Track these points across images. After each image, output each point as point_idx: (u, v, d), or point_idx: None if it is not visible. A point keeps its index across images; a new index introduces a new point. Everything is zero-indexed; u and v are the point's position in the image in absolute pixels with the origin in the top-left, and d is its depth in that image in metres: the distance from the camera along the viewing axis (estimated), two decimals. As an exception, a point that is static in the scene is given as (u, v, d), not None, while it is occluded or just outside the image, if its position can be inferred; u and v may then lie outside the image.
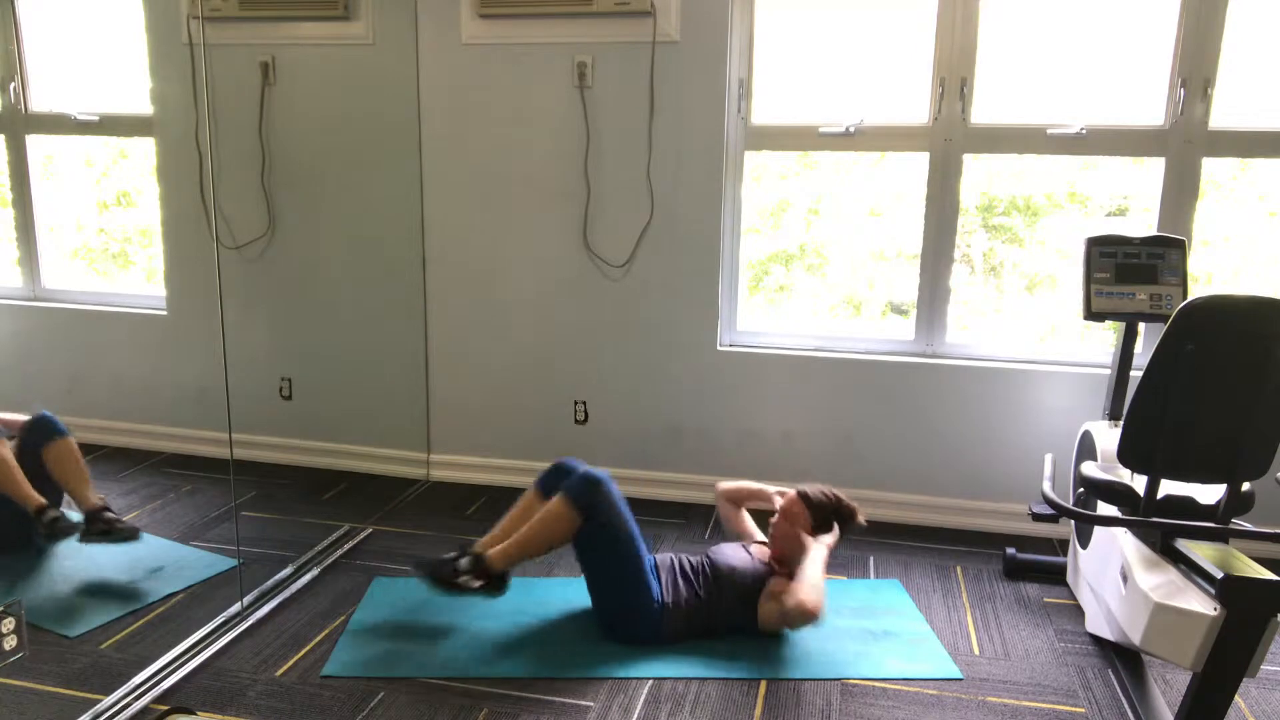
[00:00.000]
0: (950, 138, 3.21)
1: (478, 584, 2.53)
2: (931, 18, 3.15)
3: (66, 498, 2.82)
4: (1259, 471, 2.12)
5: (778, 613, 2.50)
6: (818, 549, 2.54)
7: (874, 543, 3.21)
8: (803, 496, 2.63)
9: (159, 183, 3.64)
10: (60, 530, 2.69)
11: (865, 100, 3.28)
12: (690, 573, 2.61)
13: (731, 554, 2.65)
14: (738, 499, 2.92)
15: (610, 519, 2.50)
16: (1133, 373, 2.76)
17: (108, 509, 2.75)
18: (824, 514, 2.61)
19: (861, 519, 2.66)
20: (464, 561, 2.55)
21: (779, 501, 2.69)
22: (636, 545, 2.53)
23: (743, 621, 2.56)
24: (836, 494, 2.65)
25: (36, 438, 2.73)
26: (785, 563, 2.61)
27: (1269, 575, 1.90)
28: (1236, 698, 2.26)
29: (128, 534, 2.78)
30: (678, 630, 2.53)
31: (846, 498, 2.66)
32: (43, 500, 2.65)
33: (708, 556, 2.66)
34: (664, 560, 2.64)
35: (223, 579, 2.83)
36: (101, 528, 2.72)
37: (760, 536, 2.84)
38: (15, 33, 3.31)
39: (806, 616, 2.41)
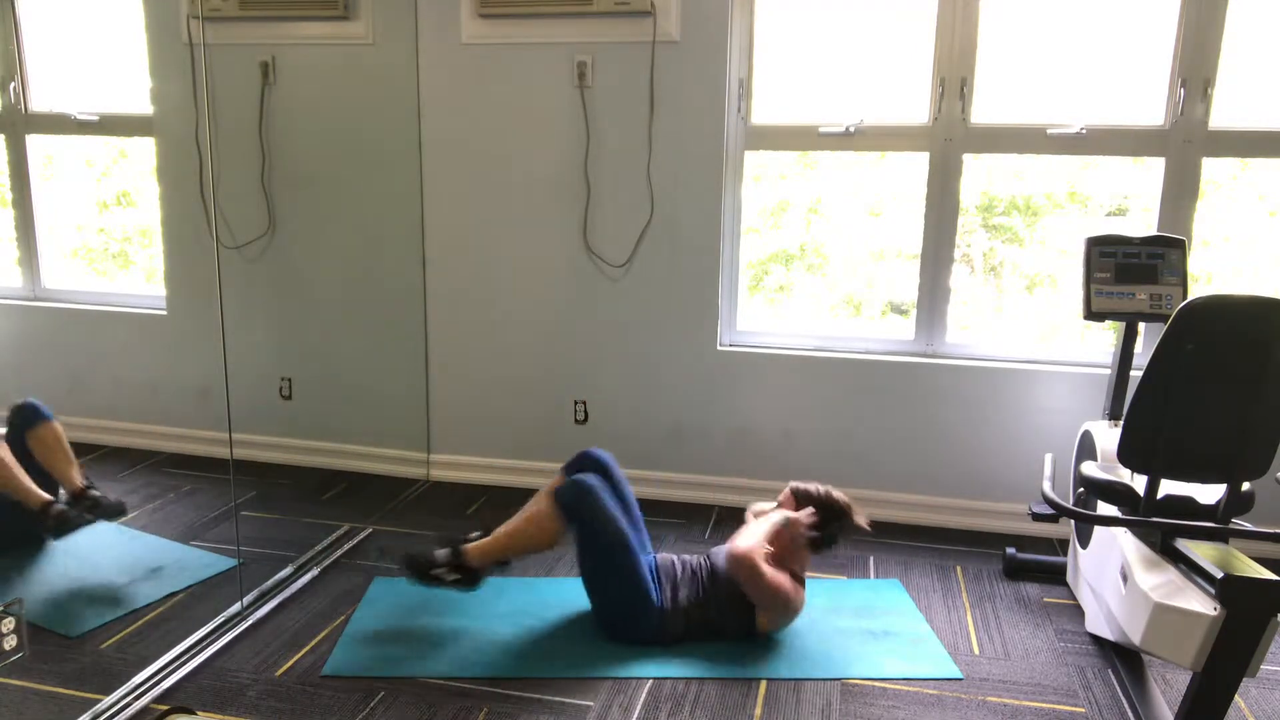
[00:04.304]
0: (950, 137, 3.21)
1: (452, 578, 2.53)
2: (931, 18, 3.15)
3: (64, 493, 2.82)
4: (1259, 471, 2.12)
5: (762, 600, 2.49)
6: (771, 519, 2.54)
7: (874, 543, 3.21)
8: (793, 490, 2.66)
9: (159, 183, 3.64)
10: (67, 523, 2.69)
11: (865, 100, 3.28)
12: (690, 575, 2.60)
13: None
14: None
15: (597, 527, 2.48)
16: (1133, 373, 2.76)
17: (92, 488, 2.75)
18: (813, 507, 2.60)
19: (860, 519, 2.63)
20: (441, 553, 2.55)
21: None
22: (630, 552, 2.49)
23: (741, 627, 2.53)
24: (828, 489, 2.64)
25: (21, 422, 2.73)
26: (781, 561, 2.57)
27: (1269, 575, 1.90)
28: (1236, 698, 2.26)
29: (115, 509, 2.77)
30: (677, 633, 2.53)
31: (841, 495, 2.64)
32: (46, 496, 2.65)
33: (708, 558, 2.65)
34: (665, 562, 2.63)
35: (223, 579, 2.83)
36: (88, 505, 2.71)
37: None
38: (15, 33, 3.31)
39: (741, 566, 2.44)
